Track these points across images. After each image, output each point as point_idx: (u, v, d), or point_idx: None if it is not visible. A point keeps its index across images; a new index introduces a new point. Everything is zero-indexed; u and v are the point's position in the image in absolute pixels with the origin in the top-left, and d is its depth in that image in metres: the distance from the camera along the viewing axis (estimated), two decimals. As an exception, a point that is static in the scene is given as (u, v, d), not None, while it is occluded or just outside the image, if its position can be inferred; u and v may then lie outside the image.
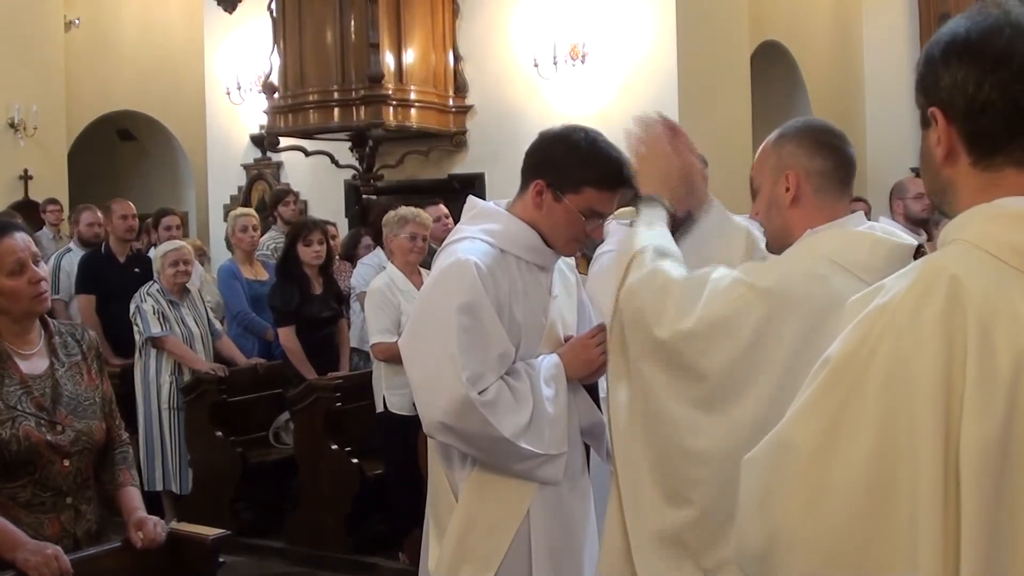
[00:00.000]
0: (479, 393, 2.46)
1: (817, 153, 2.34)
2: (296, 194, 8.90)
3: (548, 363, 2.62)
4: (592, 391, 2.78)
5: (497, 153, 8.90)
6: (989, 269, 1.33)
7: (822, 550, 1.33)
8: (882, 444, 1.29)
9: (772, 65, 10.31)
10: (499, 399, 2.48)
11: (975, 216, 1.40)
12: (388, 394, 5.54)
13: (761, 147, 2.46)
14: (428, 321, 2.57)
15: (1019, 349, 1.27)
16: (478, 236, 2.64)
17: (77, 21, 12.39)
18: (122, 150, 14.21)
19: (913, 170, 8.54)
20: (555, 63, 8.68)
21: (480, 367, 2.48)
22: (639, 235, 2.40)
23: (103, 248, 7.49)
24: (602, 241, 2.74)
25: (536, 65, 8.79)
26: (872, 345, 1.32)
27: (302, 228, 6.58)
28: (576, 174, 2.61)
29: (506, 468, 2.55)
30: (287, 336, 6.36)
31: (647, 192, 2.51)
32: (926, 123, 1.49)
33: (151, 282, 6.62)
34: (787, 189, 2.33)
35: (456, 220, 2.85)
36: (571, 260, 2.94)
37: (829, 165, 2.35)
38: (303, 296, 6.39)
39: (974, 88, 1.40)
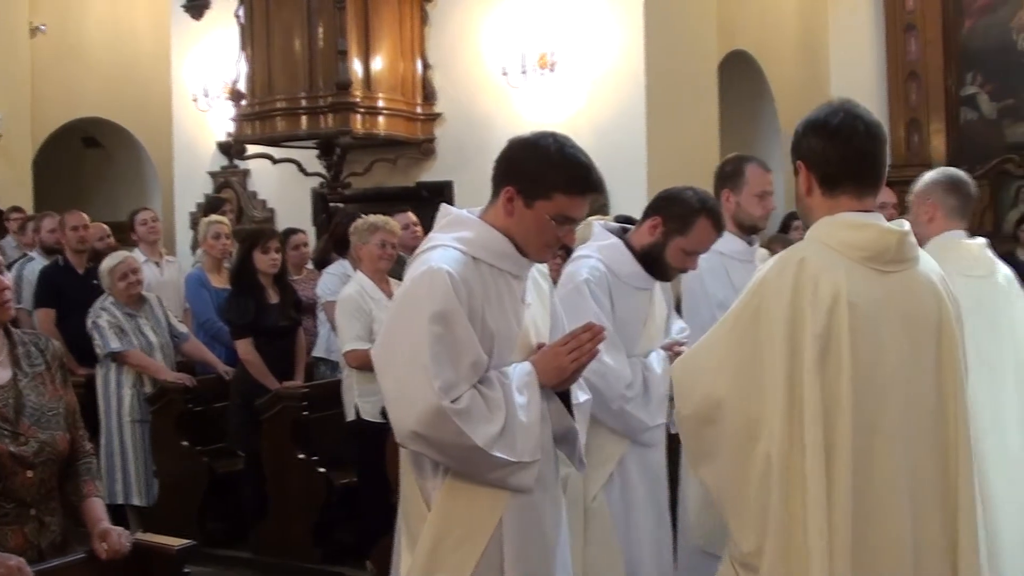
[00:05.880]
0: (452, 402, 2.44)
1: (952, 193, 3.85)
2: (231, 202, 8.77)
3: (521, 371, 2.61)
4: (565, 398, 2.77)
5: (466, 161, 8.89)
6: (824, 253, 2.35)
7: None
8: (756, 346, 2.33)
9: (740, 74, 10.36)
10: (472, 408, 2.47)
11: (821, 223, 2.41)
12: (360, 402, 5.50)
13: (919, 183, 3.92)
14: (400, 330, 2.55)
15: (835, 291, 2.28)
16: (451, 244, 2.63)
17: (43, 27, 12.22)
18: (88, 157, 14.05)
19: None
20: (524, 71, 8.67)
21: (453, 376, 2.46)
22: None
23: (61, 261, 7.31)
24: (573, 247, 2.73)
25: (505, 73, 8.78)
26: (754, 299, 2.37)
27: (259, 236, 6.39)
28: (546, 180, 2.62)
29: (479, 476, 2.54)
30: (245, 349, 6.18)
31: None
32: (796, 172, 2.46)
33: (105, 295, 6.45)
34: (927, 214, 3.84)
35: (424, 228, 2.84)
36: (544, 268, 2.93)
37: (960, 203, 3.85)
38: (259, 306, 6.20)
39: (822, 149, 2.41)
